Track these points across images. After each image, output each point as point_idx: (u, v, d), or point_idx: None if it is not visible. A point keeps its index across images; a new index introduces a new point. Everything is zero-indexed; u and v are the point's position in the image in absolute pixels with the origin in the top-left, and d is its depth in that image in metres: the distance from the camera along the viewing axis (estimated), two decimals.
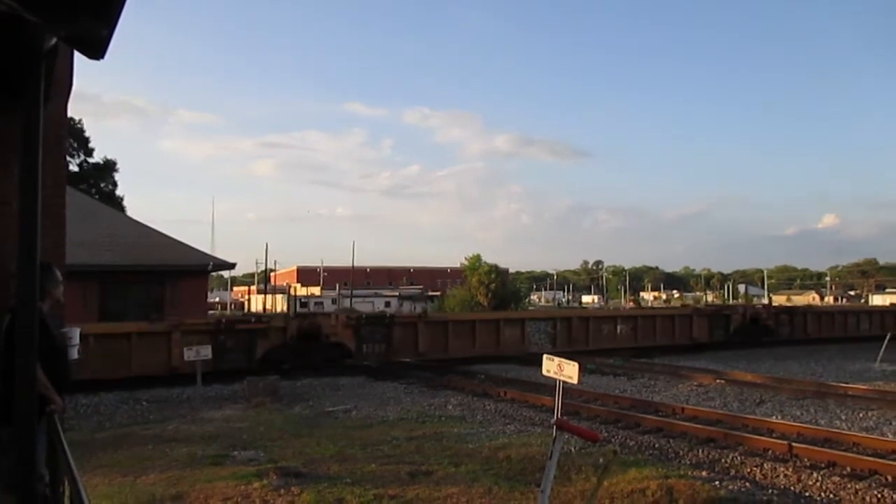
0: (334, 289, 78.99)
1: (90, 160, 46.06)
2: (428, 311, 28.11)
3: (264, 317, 22.48)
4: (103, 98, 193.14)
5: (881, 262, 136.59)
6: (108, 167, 46.74)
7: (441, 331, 21.18)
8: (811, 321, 28.22)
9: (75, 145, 43.84)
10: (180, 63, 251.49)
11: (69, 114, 7.39)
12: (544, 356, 6.35)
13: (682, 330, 25.23)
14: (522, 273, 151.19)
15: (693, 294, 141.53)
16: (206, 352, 14.45)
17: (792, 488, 7.78)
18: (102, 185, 45.89)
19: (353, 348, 19.61)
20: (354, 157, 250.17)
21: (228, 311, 71.83)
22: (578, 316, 24.84)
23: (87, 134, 46.27)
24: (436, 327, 21.25)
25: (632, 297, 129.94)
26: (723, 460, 9.03)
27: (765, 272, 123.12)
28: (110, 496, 6.95)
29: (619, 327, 24.12)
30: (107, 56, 3.47)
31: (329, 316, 20.84)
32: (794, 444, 9.28)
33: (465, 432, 10.68)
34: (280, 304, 67.81)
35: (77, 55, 6.03)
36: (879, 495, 7.41)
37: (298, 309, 65.80)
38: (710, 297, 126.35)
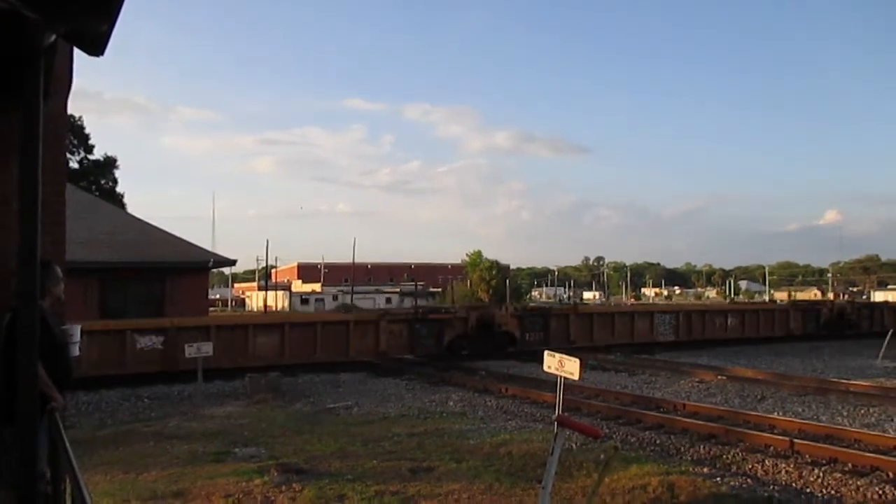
0: (335, 285, 79.24)
1: (90, 157, 46.17)
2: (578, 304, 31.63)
3: (451, 308, 24.52)
4: (105, 95, 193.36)
5: (883, 258, 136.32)
6: (109, 164, 46.78)
7: (587, 322, 23.44)
8: (888, 315, 30.43)
9: (75, 142, 43.85)
10: (180, 60, 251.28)
11: (69, 111, 7.37)
12: (545, 352, 6.36)
13: (780, 323, 27.43)
14: (523, 269, 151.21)
15: (694, 290, 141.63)
16: (207, 349, 14.43)
17: (793, 484, 7.78)
18: (103, 181, 45.94)
19: (518, 336, 21.61)
20: (354, 154, 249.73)
21: (229, 309, 71.91)
22: (696, 310, 27.26)
23: (87, 131, 46.39)
24: (584, 319, 23.53)
25: (633, 294, 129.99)
26: (724, 457, 9.04)
27: (766, 268, 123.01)
28: (112, 493, 6.95)
29: (729, 320, 26.39)
30: (108, 53, 3.45)
31: (500, 307, 23.36)
32: (795, 440, 9.28)
33: (467, 428, 10.68)
34: (281, 300, 67.90)
35: (77, 52, 6.03)
36: (881, 491, 7.42)
37: (300, 305, 65.97)
38: (713, 293, 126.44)
